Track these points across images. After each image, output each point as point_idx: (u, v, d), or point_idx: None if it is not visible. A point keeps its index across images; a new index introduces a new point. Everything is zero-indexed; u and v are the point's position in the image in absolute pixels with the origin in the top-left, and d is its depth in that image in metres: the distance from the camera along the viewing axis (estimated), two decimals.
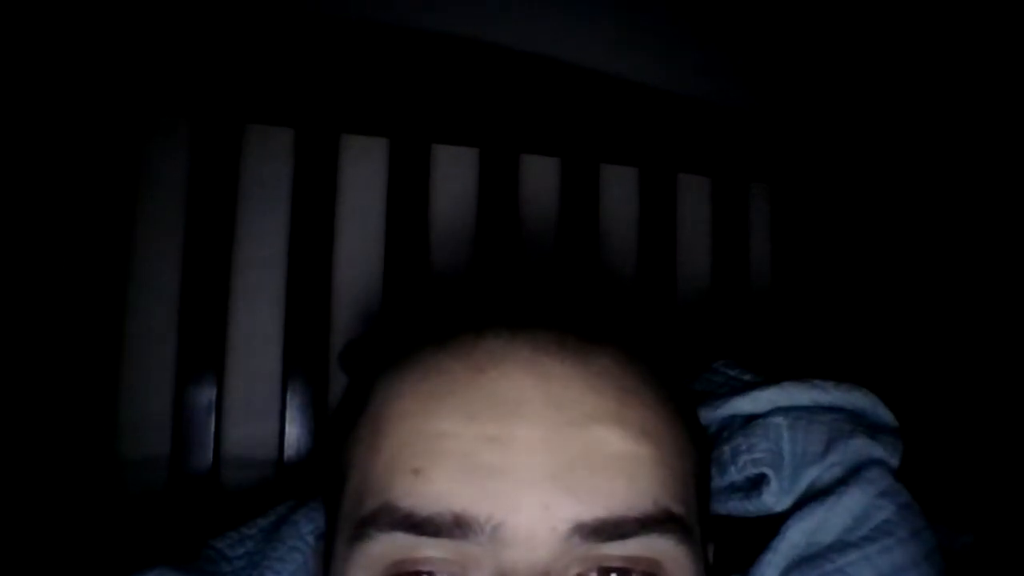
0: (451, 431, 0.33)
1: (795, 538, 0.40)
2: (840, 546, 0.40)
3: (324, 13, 0.72)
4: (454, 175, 0.74)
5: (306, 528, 0.45)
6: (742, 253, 0.82)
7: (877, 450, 0.43)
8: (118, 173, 0.65)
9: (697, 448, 0.39)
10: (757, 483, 0.43)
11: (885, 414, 0.46)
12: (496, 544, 0.31)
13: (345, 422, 0.38)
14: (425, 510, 0.32)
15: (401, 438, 0.34)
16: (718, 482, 0.44)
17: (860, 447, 0.43)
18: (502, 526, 0.31)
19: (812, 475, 0.43)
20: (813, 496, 0.42)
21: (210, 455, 0.66)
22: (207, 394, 0.66)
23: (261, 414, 0.67)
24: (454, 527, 0.31)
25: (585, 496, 0.32)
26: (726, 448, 0.45)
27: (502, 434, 0.32)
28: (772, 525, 0.42)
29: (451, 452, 0.32)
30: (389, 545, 0.32)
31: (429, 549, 0.32)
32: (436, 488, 0.32)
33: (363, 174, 0.71)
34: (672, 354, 0.44)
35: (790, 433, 0.44)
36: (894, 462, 0.43)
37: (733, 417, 0.46)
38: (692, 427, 0.39)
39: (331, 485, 0.38)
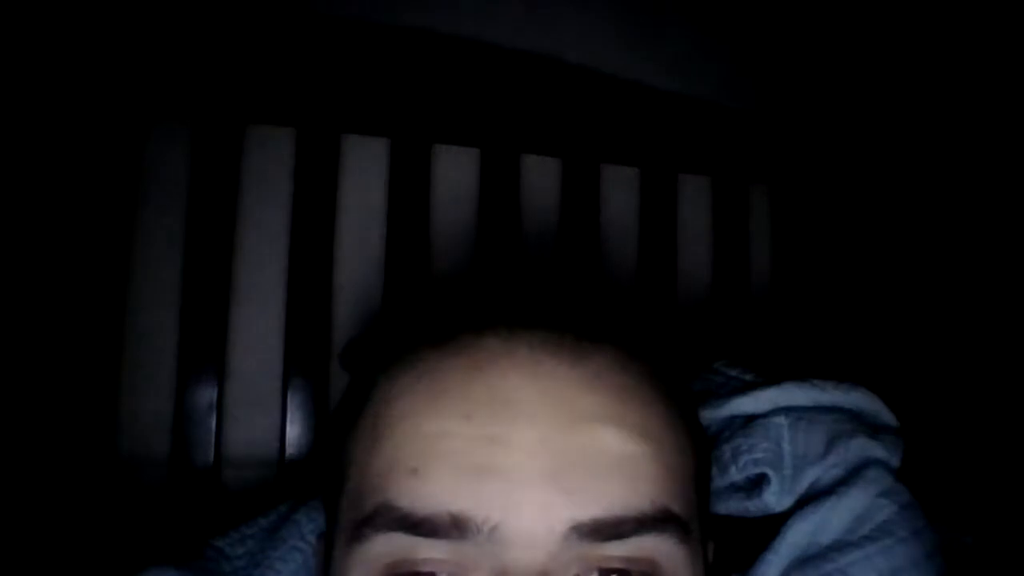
0: (449, 431, 0.33)
1: (796, 538, 0.40)
2: (841, 546, 0.40)
3: (325, 13, 0.72)
4: (455, 175, 0.74)
5: (307, 527, 0.45)
6: (742, 253, 0.82)
7: (878, 450, 0.43)
8: (119, 173, 0.65)
9: (697, 448, 0.39)
10: (758, 483, 0.43)
11: (886, 414, 0.46)
12: (494, 545, 0.31)
13: (345, 421, 0.38)
14: (423, 511, 0.32)
15: (400, 437, 0.34)
16: (718, 482, 0.44)
17: (861, 447, 0.43)
18: (500, 527, 0.31)
19: (813, 475, 0.43)
20: (814, 496, 0.42)
21: (211, 454, 0.66)
22: (208, 393, 0.66)
23: (262, 413, 0.67)
24: (451, 528, 0.31)
25: (583, 496, 0.32)
26: (727, 448, 0.45)
27: (500, 434, 0.32)
28: (772, 525, 0.42)
29: (449, 452, 0.32)
30: (387, 545, 0.32)
31: (427, 550, 0.32)
32: (434, 488, 0.32)
33: (364, 174, 0.72)
34: (672, 354, 0.44)
35: (791, 433, 0.44)
36: (895, 462, 0.43)
37: (734, 417, 0.46)
38: (692, 427, 0.39)
39: (331, 484, 0.38)
